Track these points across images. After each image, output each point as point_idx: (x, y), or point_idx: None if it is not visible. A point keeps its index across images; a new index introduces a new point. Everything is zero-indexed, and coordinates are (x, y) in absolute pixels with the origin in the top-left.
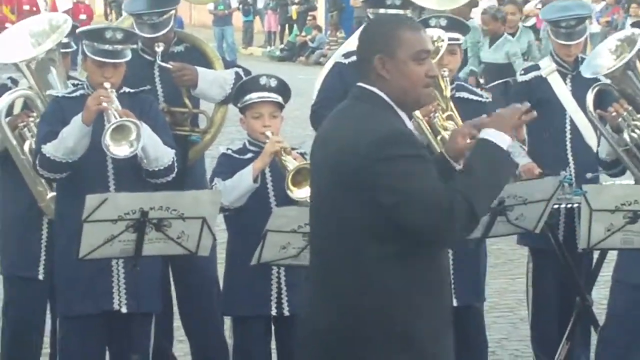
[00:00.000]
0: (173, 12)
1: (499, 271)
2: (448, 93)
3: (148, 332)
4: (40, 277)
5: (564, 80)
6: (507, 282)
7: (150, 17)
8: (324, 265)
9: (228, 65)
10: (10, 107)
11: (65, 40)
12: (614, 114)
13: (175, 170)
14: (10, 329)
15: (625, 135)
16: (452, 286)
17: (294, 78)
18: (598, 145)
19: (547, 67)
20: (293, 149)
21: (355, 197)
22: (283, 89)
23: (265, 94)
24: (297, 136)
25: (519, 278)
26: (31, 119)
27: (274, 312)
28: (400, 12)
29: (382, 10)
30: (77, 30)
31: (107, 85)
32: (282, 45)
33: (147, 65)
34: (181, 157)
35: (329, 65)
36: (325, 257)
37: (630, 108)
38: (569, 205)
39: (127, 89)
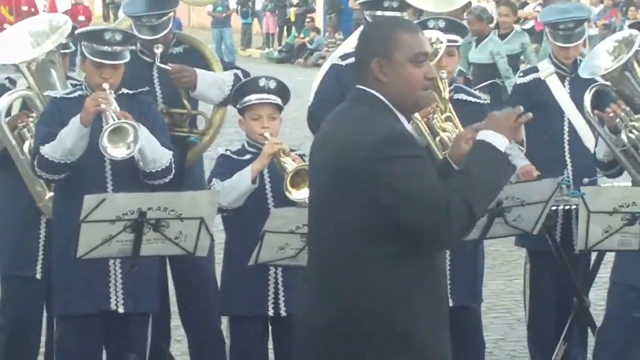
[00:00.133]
0: (172, 14)
1: (497, 272)
2: (447, 95)
3: (145, 332)
4: (38, 276)
5: (563, 82)
6: (504, 283)
7: (149, 19)
8: (322, 266)
9: (227, 66)
10: (9, 107)
11: (64, 41)
12: (611, 114)
13: (173, 172)
14: (7, 328)
15: (623, 136)
16: (449, 287)
17: (293, 80)
18: (595, 146)
19: (546, 70)
20: (292, 150)
21: (354, 198)
22: (282, 91)
23: (264, 95)
24: (296, 138)
25: (517, 279)
26: (30, 119)
27: (271, 312)
28: (398, 14)
29: (379, 13)
30: (76, 31)
31: (105, 86)
32: (281, 47)
33: (146, 67)
34: (179, 159)
35: (325, 67)
36: (323, 259)
37: (627, 109)
38: (567, 207)
39: (125, 90)
